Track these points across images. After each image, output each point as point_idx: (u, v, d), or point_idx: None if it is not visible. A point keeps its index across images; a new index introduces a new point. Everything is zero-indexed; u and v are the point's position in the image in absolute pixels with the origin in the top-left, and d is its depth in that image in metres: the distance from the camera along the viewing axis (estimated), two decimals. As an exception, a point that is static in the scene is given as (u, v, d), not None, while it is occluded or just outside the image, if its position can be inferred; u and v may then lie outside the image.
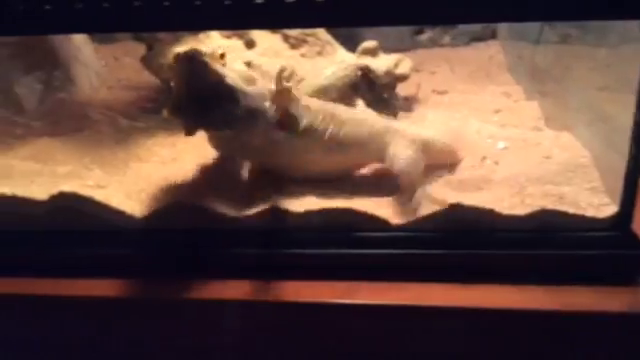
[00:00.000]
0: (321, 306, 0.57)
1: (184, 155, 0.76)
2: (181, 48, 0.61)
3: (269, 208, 0.61)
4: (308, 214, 0.61)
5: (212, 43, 0.82)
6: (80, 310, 0.61)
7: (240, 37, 0.84)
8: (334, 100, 0.79)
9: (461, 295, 0.57)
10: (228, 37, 0.84)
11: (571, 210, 0.59)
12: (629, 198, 0.57)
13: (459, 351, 0.59)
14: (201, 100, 0.58)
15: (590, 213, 0.59)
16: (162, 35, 0.85)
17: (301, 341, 0.61)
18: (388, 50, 0.98)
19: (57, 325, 0.63)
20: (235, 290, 0.59)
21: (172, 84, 0.60)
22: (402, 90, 0.95)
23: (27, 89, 0.82)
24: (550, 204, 0.60)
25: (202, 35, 0.83)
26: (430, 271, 0.59)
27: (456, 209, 0.59)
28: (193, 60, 0.58)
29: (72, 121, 0.80)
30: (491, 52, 1.19)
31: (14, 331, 0.64)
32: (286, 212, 0.61)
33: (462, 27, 1.26)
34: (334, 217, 0.61)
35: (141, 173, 0.72)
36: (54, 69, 0.88)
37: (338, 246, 0.61)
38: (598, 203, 0.61)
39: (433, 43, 1.26)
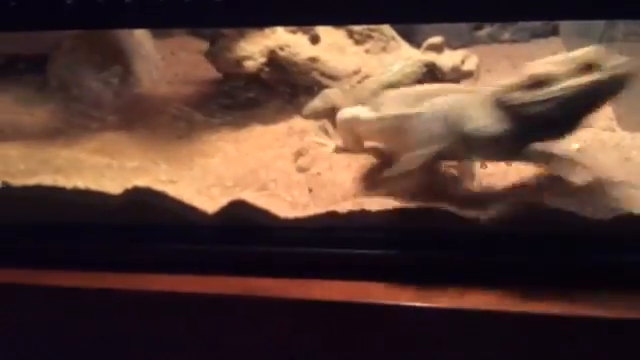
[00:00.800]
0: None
1: (252, 151, 0.76)
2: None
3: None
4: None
5: (278, 38, 0.81)
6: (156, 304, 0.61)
7: (305, 32, 0.84)
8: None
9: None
10: (293, 32, 0.83)
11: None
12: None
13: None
14: None
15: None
16: (226, 30, 0.84)
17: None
18: (447, 46, 0.97)
19: (127, 319, 0.63)
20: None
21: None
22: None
23: (102, 83, 0.82)
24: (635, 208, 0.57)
25: (268, 30, 0.82)
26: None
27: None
28: None
29: (148, 116, 0.80)
30: (552, 49, 1.15)
31: (84, 325, 0.64)
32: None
33: (522, 23, 1.23)
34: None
35: (208, 168, 0.72)
36: (118, 64, 0.88)
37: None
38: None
39: (492, 39, 1.23)
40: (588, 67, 0.53)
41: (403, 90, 0.69)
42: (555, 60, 0.56)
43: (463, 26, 1.23)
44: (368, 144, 0.73)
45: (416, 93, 0.66)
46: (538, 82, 0.55)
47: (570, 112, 0.55)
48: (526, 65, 0.57)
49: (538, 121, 0.56)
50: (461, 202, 0.60)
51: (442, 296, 0.56)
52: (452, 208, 0.58)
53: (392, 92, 0.69)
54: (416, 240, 0.60)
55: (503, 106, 0.57)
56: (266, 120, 0.83)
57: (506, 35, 1.23)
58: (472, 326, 0.56)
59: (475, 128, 0.58)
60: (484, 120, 0.58)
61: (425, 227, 0.59)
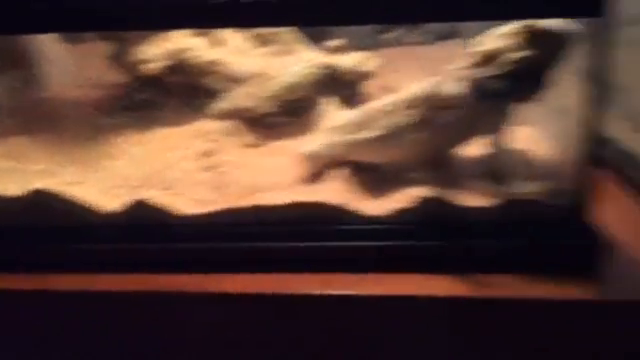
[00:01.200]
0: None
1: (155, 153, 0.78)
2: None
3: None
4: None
5: (179, 42, 0.83)
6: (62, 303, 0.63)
7: (207, 36, 0.86)
8: (300, 98, 0.82)
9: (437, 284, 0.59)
10: (195, 35, 0.85)
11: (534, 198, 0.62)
12: (583, 189, 0.60)
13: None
14: None
15: (549, 204, 0.62)
16: (130, 34, 0.85)
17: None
18: (354, 49, 1.01)
19: (35, 320, 0.64)
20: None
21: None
22: (369, 87, 0.98)
23: (2, 88, 0.82)
24: (510, 195, 0.63)
25: (169, 34, 0.84)
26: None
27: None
28: None
29: (55, 120, 0.80)
30: (456, 51, 1.22)
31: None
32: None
33: (427, 26, 1.29)
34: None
35: (115, 170, 0.73)
36: (25, 68, 0.88)
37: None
38: (555, 192, 0.64)
39: (398, 42, 1.29)
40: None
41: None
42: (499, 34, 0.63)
43: (370, 29, 1.28)
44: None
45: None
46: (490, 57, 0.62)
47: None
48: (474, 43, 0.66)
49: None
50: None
51: (342, 283, 0.60)
52: (342, 202, 0.62)
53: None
54: (311, 231, 0.63)
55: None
56: (171, 122, 0.84)
57: (412, 38, 1.29)
58: (373, 312, 0.60)
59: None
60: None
61: (318, 219, 0.63)
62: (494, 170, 0.68)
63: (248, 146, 0.79)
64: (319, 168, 0.71)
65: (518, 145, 0.74)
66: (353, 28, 1.30)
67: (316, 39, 0.96)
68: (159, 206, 0.64)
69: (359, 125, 0.69)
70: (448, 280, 0.60)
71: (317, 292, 0.60)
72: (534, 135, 0.76)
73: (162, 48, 0.85)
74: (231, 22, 0.64)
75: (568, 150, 0.62)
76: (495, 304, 0.59)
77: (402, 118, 0.66)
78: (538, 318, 0.58)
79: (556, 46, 0.60)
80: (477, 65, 0.63)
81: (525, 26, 0.60)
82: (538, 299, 0.57)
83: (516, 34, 0.61)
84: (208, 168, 0.74)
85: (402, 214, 0.62)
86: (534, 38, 0.60)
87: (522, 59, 0.61)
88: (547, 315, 0.58)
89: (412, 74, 1.13)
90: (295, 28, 0.91)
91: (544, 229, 0.62)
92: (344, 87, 0.92)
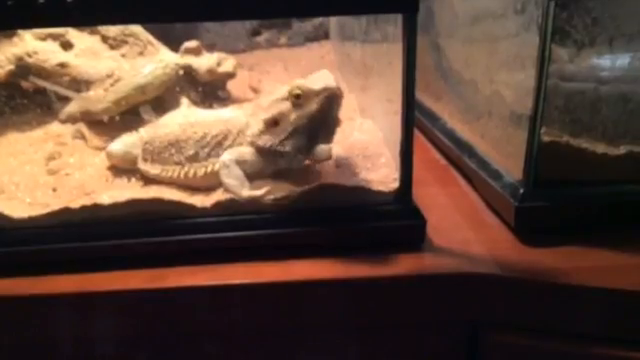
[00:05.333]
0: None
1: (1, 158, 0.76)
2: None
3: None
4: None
5: (25, 45, 0.82)
6: None
7: (55, 39, 0.85)
8: (153, 98, 0.82)
9: (265, 271, 0.61)
10: (43, 39, 0.84)
11: (365, 186, 0.65)
12: (407, 174, 0.63)
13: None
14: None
15: (380, 188, 0.65)
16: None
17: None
18: (227, 51, 1.02)
19: None
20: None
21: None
22: (235, 87, 1.00)
23: None
24: (347, 181, 0.66)
25: (16, 38, 0.82)
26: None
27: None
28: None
29: None
30: (323, 52, 1.26)
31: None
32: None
33: (297, 28, 1.32)
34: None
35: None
36: None
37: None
38: (388, 179, 0.67)
39: (270, 44, 1.31)
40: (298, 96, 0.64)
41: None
42: (277, 97, 0.66)
43: (242, 31, 1.30)
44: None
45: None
46: (274, 122, 0.65)
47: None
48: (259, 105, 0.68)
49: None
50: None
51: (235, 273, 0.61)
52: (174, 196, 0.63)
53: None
54: (146, 228, 0.63)
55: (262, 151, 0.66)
56: (23, 127, 0.83)
57: (283, 40, 1.32)
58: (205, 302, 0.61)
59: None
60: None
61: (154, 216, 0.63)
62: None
63: (96, 148, 0.79)
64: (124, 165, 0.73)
65: (358, 138, 0.78)
66: (225, 30, 1.32)
67: (176, 41, 0.97)
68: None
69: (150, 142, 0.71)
70: (276, 267, 0.61)
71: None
72: (372, 128, 0.80)
73: (7, 52, 0.83)
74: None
75: (396, 140, 0.65)
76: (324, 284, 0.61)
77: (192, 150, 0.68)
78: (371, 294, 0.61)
79: (322, 101, 0.63)
80: (263, 132, 0.66)
81: (292, 88, 0.64)
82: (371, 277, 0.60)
83: (287, 97, 0.64)
84: (51, 171, 0.73)
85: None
86: (300, 98, 0.63)
87: (298, 118, 0.64)
88: (378, 290, 0.61)
89: (280, 74, 1.17)
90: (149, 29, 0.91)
91: (376, 212, 0.64)
92: (209, 87, 0.93)
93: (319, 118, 0.64)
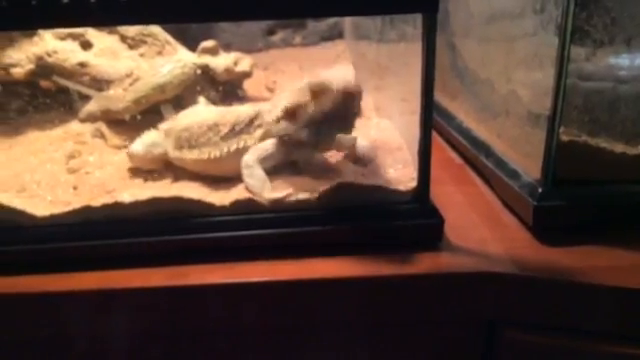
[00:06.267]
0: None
1: (22, 156, 0.77)
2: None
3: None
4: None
5: (45, 45, 0.83)
6: None
7: (75, 39, 0.85)
8: (172, 97, 0.83)
9: (283, 269, 0.61)
10: (62, 39, 0.85)
11: (383, 185, 0.65)
12: (425, 173, 0.64)
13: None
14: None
15: (398, 187, 0.65)
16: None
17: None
18: (242, 50, 1.03)
19: None
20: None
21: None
22: (251, 87, 1.00)
23: None
24: (366, 180, 0.66)
25: (36, 37, 0.83)
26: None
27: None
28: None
29: None
30: (338, 51, 1.26)
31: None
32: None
33: (312, 28, 1.33)
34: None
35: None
36: None
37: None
38: (406, 178, 0.67)
39: (285, 43, 1.32)
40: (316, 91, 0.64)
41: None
42: (298, 88, 0.66)
43: (257, 31, 1.31)
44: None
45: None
46: (292, 111, 0.66)
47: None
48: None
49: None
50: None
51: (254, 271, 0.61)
52: (194, 195, 0.64)
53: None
54: (166, 226, 0.64)
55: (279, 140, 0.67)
56: (43, 126, 0.84)
57: (297, 39, 1.32)
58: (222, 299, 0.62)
59: None
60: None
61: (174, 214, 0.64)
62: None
63: (115, 147, 0.79)
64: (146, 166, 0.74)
65: (375, 137, 0.78)
66: (241, 30, 1.33)
67: (192, 41, 0.97)
68: (9, 209, 0.63)
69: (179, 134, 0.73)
70: (294, 265, 0.62)
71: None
72: (389, 127, 0.80)
73: (27, 52, 0.84)
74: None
75: (413, 139, 0.66)
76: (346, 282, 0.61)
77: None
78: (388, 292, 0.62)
79: (340, 98, 0.63)
80: (281, 120, 0.67)
81: (312, 83, 0.64)
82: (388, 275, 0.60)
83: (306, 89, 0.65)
84: (71, 170, 0.74)
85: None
86: (319, 93, 0.64)
87: (315, 112, 0.64)
88: (396, 288, 0.61)
89: (295, 73, 1.17)
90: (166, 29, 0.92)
91: (394, 211, 0.65)
92: (229, 86, 0.94)
93: (336, 113, 0.64)
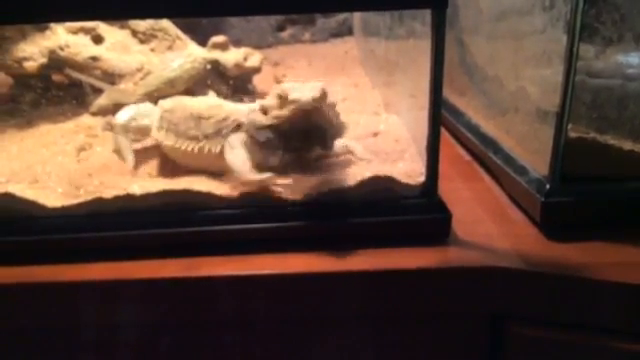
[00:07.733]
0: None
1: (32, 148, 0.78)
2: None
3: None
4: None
5: (58, 39, 0.83)
6: None
7: (87, 33, 0.86)
8: (183, 91, 0.84)
9: (291, 262, 0.62)
10: (74, 33, 0.86)
11: (392, 179, 0.65)
12: (433, 168, 0.64)
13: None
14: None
15: (407, 182, 0.66)
16: (8, 33, 0.85)
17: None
18: (252, 46, 1.03)
19: None
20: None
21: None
22: (260, 82, 1.01)
23: None
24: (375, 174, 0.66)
25: (48, 31, 0.84)
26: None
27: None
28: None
29: None
30: (347, 47, 1.27)
31: None
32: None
33: (321, 24, 1.33)
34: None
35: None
36: None
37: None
38: (415, 173, 0.68)
39: (294, 39, 1.33)
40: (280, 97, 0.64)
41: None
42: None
43: (267, 27, 1.31)
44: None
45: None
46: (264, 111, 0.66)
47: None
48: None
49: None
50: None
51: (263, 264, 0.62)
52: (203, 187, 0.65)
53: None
54: (176, 218, 0.65)
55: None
56: (56, 118, 0.85)
57: (307, 35, 1.33)
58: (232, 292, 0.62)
59: None
60: None
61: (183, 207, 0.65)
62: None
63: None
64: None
65: (384, 132, 0.78)
66: (251, 26, 1.33)
67: (203, 36, 0.98)
68: (21, 200, 0.64)
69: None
70: (302, 259, 0.62)
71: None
72: (398, 122, 0.80)
73: (40, 45, 0.85)
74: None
75: (422, 135, 0.66)
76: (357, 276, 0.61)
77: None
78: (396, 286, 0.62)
79: (293, 112, 0.64)
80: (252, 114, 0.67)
81: (279, 89, 0.65)
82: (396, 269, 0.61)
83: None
84: (82, 162, 0.75)
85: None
86: (281, 100, 0.64)
87: (275, 116, 0.65)
88: (404, 282, 0.62)
89: (304, 70, 1.18)
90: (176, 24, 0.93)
91: (402, 206, 0.65)
92: (239, 81, 0.94)
93: (292, 124, 0.65)
